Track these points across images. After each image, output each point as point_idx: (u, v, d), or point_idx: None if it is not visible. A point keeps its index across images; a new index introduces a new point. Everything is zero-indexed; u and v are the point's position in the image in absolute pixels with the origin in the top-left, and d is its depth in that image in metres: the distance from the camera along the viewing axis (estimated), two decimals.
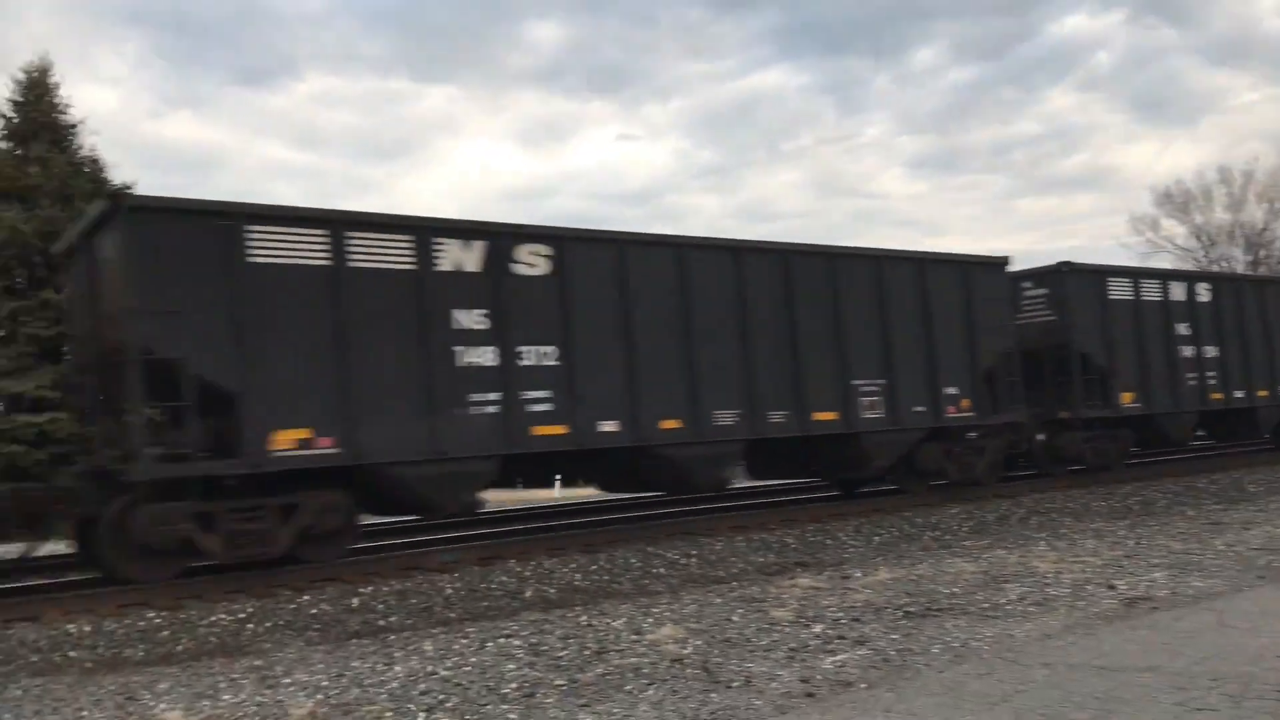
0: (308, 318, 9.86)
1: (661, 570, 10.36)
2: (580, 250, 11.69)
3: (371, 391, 10.06)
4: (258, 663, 6.77)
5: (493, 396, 10.79)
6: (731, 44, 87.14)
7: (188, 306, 9.26)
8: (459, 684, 5.74)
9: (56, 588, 9.90)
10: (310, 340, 9.86)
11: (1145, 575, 7.90)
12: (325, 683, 5.98)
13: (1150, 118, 78.94)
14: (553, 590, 9.49)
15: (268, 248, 9.74)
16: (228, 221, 9.57)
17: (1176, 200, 50.65)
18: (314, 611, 8.65)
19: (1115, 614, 6.52)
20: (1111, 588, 7.44)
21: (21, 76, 16.87)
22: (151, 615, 8.45)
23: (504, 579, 9.85)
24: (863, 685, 5.15)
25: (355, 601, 8.97)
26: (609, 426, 11.54)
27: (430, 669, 6.15)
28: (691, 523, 13.05)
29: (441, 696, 5.49)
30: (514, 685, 5.62)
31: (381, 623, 8.42)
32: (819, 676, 5.38)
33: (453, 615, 8.68)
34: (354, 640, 7.60)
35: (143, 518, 9.06)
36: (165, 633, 7.99)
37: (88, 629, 8.05)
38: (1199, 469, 18.22)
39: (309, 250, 9.96)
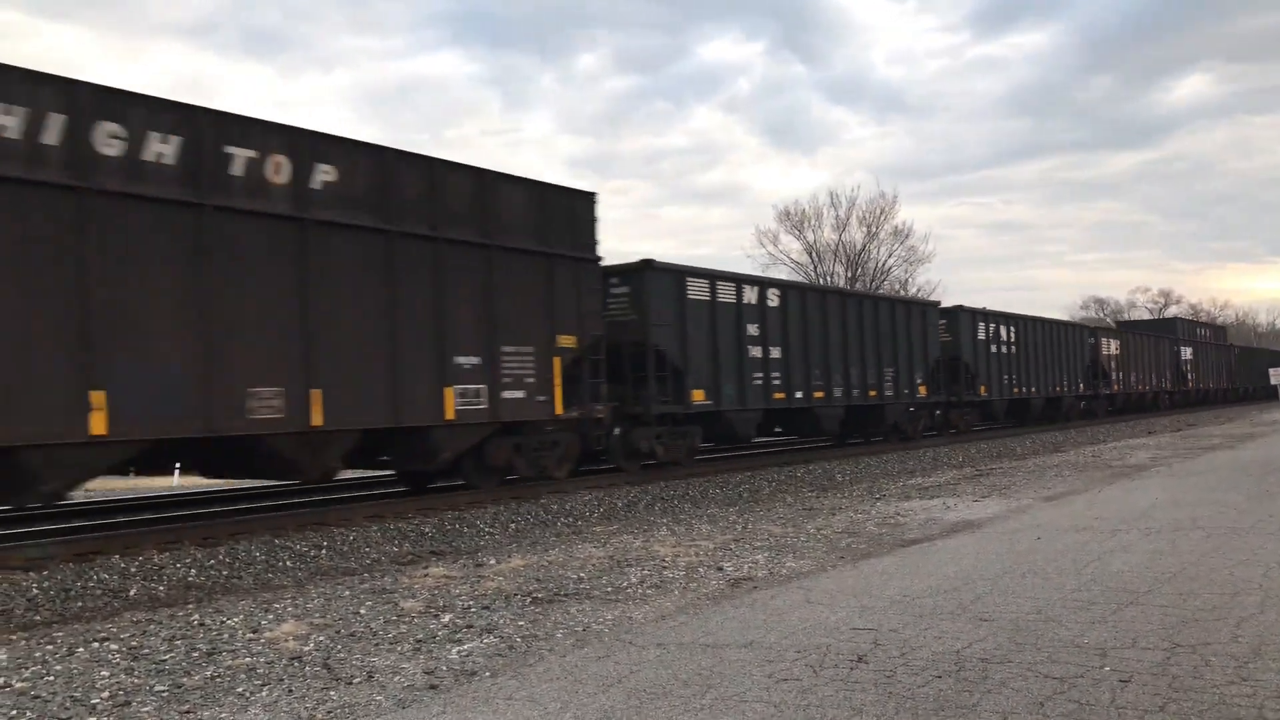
0: None
1: (288, 563, 9.86)
2: None
3: None
4: None
5: None
6: (400, 23, 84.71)
7: None
8: (38, 696, 5.11)
9: None
10: None
11: (749, 557, 8.66)
12: None
13: (779, 142, 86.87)
14: (162, 588, 8.73)
15: None
16: None
17: (794, 219, 56.33)
18: None
19: (722, 594, 7.08)
20: (720, 570, 8.08)
21: None
22: None
23: (105, 576, 8.92)
24: (487, 674, 5.20)
25: None
26: None
27: (2, 681, 5.42)
28: (324, 512, 12.54)
29: (14, 712, 4.85)
30: (106, 694, 5.09)
31: None
32: (444, 667, 5.36)
33: (38, 619, 7.73)
34: None
35: None
36: None
37: None
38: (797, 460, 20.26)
39: None
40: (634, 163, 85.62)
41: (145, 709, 4.84)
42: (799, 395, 20.19)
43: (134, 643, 6.21)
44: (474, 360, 13.13)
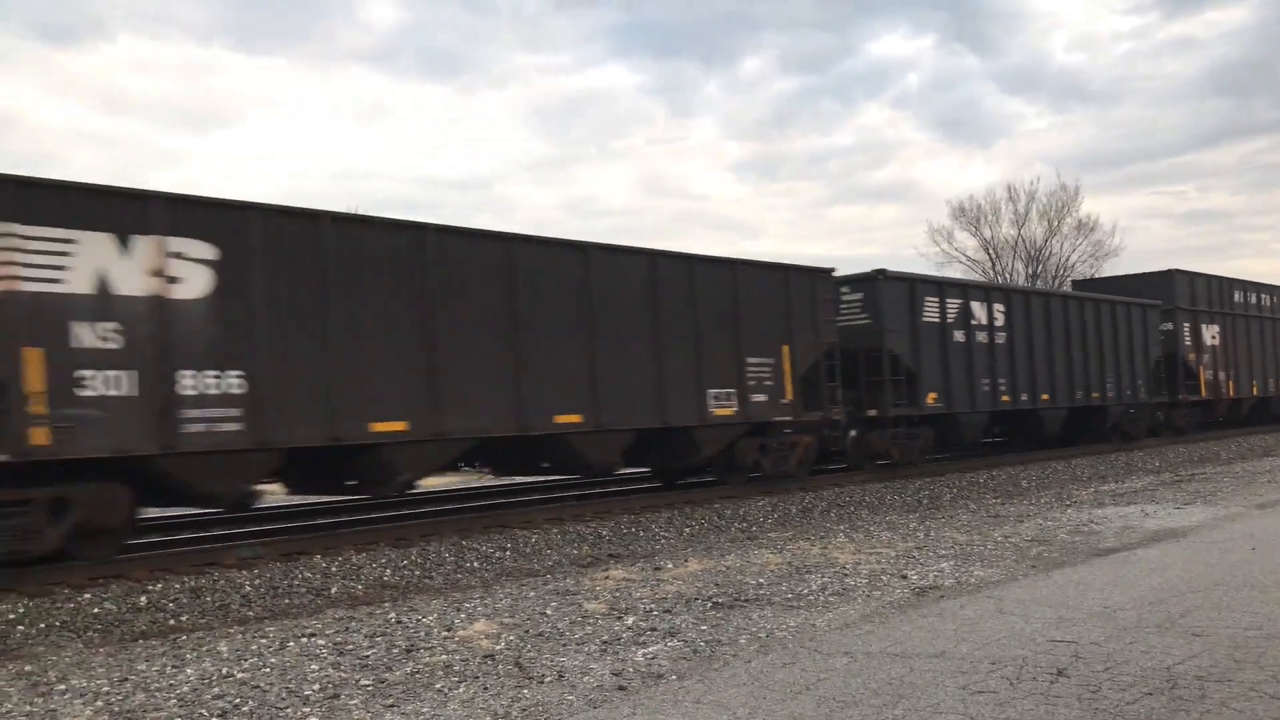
0: None
1: (475, 564, 10.23)
2: None
3: None
4: (28, 668, 6.25)
5: None
6: (568, 38, 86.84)
7: None
8: (257, 686, 5.48)
9: None
10: None
11: (934, 565, 8.40)
12: (106, 688, 5.58)
13: (951, 136, 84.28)
14: (360, 586, 9.21)
15: None
16: None
17: (969, 215, 54.22)
18: (95, 611, 8.06)
19: (907, 603, 6.90)
20: (904, 578, 7.88)
21: None
22: None
23: (308, 575, 9.48)
24: (673, 677, 5.24)
25: (143, 600, 8.42)
26: None
27: (225, 671, 5.84)
28: (506, 514, 12.95)
29: (237, 700, 5.22)
30: (316, 687, 5.41)
31: (172, 622, 7.94)
32: (630, 669, 5.44)
33: (251, 614, 8.29)
34: (140, 642, 7.13)
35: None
36: None
37: None
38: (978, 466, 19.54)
39: None
40: (800, 163, 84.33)
41: (353, 702, 5.12)
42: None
43: (338, 639, 6.58)
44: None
